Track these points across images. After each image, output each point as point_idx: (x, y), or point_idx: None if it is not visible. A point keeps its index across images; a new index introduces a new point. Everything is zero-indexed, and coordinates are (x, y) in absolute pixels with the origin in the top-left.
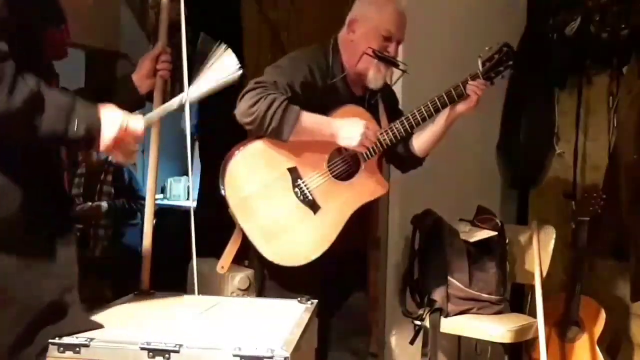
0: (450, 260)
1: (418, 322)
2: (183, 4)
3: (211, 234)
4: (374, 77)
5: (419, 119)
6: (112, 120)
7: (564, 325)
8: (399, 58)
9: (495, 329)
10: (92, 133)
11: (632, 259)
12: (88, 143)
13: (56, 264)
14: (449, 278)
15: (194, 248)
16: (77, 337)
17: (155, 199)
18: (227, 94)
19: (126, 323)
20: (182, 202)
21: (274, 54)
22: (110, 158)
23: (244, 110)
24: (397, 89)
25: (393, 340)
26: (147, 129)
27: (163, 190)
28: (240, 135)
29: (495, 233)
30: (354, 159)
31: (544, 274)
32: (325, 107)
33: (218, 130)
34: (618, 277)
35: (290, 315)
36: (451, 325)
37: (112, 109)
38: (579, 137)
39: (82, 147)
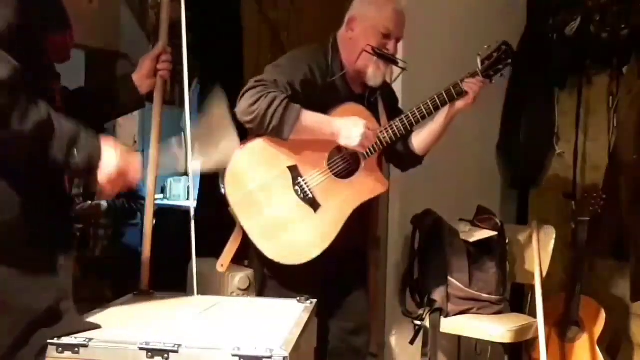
0: (450, 260)
1: (418, 322)
2: (184, 3)
3: (211, 234)
4: (374, 74)
5: (419, 117)
6: (112, 161)
7: (564, 325)
8: (399, 56)
9: (495, 329)
10: (92, 165)
11: (632, 259)
12: (87, 174)
13: (53, 272)
14: (449, 278)
15: (194, 248)
16: (75, 338)
17: (155, 199)
18: (227, 94)
19: (125, 323)
20: (182, 202)
21: (274, 54)
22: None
23: (244, 108)
24: (397, 88)
25: (393, 340)
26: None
27: (163, 190)
28: (240, 135)
29: (495, 233)
30: (354, 157)
31: (544, 274)
32: (325, 106)
33: None
34: (618, 277)
35: (290, 315)
36: (451, 325)
37: (112, 144)
38: (579, 137)
39: (80, 177)
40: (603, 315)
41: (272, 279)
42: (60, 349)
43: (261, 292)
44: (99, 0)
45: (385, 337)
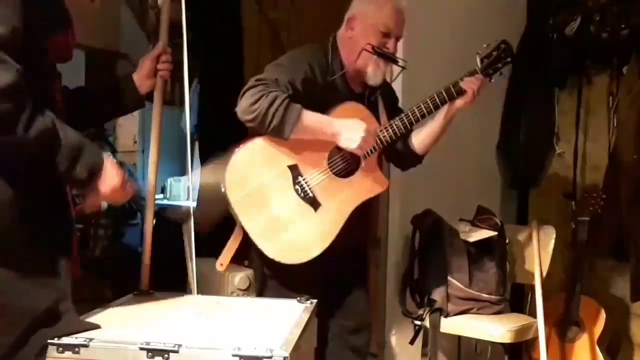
0: (450, 260)
1: (418, 322)
2: (184, 3)
3: (211, 234)
4: (373, 73)
5: (418, 115)
6: (114, 175)
7: (564, 325)
8: (399, 56)
9: (495, 329)
10: (93, 177)
11: (632, 259)
12: (86, 184)
13: (52, 273)
14: (449, 278)
15: (194, 248)
16: (76, 337)
17: (155, 199)
18: (227, 94)
19: (125, 323)
20: (182, 202)
21: (274, 53)
22: (110, 158)
23: (245, 107)
24: (397, 87)
25: (393, 340)
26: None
27: (163, 190)
28: (240, 135)
29: (495, 233)
30: (354, 157)
31: (544, 274)
32: (325, 105)
33: (218, 130)
34: (618, 277)
35: (290, 315)
36: (451, 325)
37: (113, 163)
38: (579, 137)
39: (80, 186)
40: (603, 315)
41: (273, 278)
42: (61, 348)
43: (261, 292)
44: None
45: (385, 337)
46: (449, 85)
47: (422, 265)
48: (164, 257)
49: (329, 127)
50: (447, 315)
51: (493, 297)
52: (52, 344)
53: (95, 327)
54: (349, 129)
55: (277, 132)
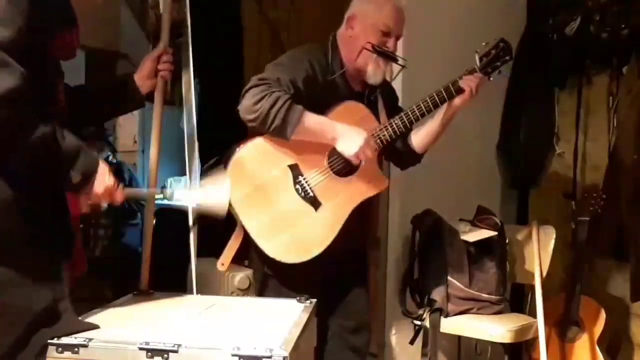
0: (450, 260)
1: (418, 322)
2: (188, 3)
3: (211, 234)
4: (373, 72)
5: (418, 114)
6: (105, 180)
7: (564, 325)
8: (398, 54)
9: (495, 329)
10: (87, 176)
11: (632, 259)
12: (79, 188)
13: (51, 273)
14: (449, 278)
15: (194, 248)
16: (75, 337)
17: (155, 199)
18: (227, 94)
19: (125, 323)
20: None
21: (274, 53)
22: (110, 158)
23: (247, 107)
24: (397, 87)
25: (393, 340)
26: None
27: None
28: (240, 134)
29: (495, 233)
30: None
31: (544, 274)
32: (325, 104)
33: (218, 130)
34: (618, 277)
35: (289, 315)
36: (451, 325)
37: (107, 168)
38: (579, 137)
39: (74, 188)
40: (603, 315)
41: (273, 278)
42: (60, 349)
43: (261, 292)
44: None
45: (385, 337)
46: (448, 84)
47: (422, 265)
48: (164, 257)
49: (330, 131)
50: (447, 315)
51: (493, 297)
52: (52, 344)
53: (94, 327)
54: (349, 135)
55: (278, 132)
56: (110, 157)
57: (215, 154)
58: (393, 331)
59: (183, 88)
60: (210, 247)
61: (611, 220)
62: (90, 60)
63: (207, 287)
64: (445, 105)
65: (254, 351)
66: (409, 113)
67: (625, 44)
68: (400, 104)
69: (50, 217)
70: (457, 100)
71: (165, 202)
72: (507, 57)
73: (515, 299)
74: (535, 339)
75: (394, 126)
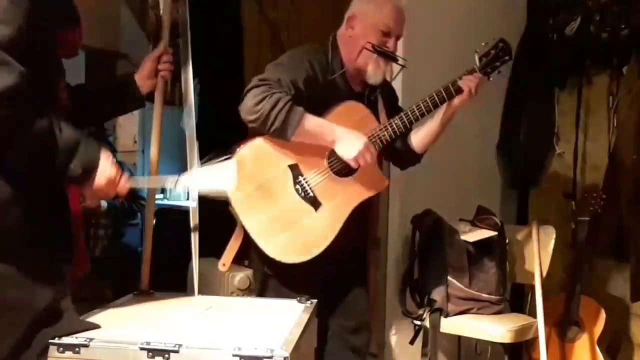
0: (450, 260)
1: (418, 322)
2: (188, 3)
3: (211, 234)
4: (374, 72)
5: (418, 114)
6: (107, 170)
7: (564, 325)
8: (398, 54)
9: (495, 329)
10: (89, 170)
11: (632, 259)
12: (81, 181)
13: (53, 272)
14: (449, 278)
15: (195, 248)
16: (76, 337)
17: (155, 199)
18: (227, 94)
19: (125, 323)
20: (182, 202)
21: (274, 53)
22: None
23: (248, 108)
24: (397, 87)
25: (393, 340)
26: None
27: (163, 190)
28: (240, 134)
29: (495, 233)
30: None
31: (544, 274)
32: (325, 104)
33: (218, 130)
34: (618, 277)
35: (290, 315)
36: (451, 325)
37: (110, 158)
38: (579, 137)
39: (76, 181)
40: (603, 315)
41: (273, 278)
42: (61, 348)
43: (261, 292)
44: None
45: (385, 337)
46: (447, 84)
47: (422, 265)
48: (164, 257)
49: (330, 134)
50: (447, 315)
51: (493, 297)
52: (53, 344)
53: (96, 326)
54: (349, 139)
55: (278, 134)
56: (110, 158)
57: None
58: (393, 331)
59: (183, 88)
60: (211, 247)
61: (611, 220)
62: (90, 60)
63: (207, 287)
64: (444, 105)
65: (255, 351)
66: (409, 113)
67: (625, 44)
68: (400, 103)
69: (50, 215)
70: (457, 100)
71: (165, 202)
72: (507, 57)
73: (515, 299)
74: (535, 339)
75: (394, 126)
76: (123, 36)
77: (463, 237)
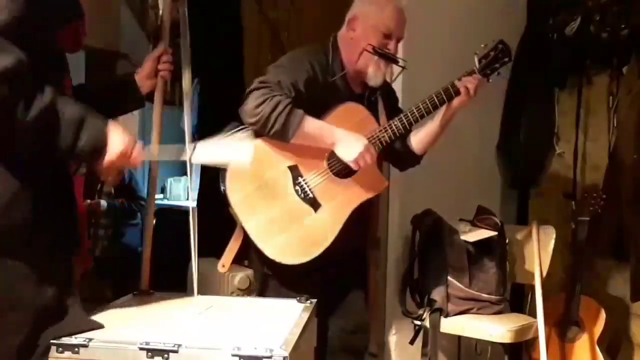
0: (450, 260)
1: (418, 322)
2: (187, 3)
3: (211, 234)
4: (374, 74)
5: (417, 116)
6: (118, 142)
7: (564, 325)
8: (399, 56)
9: (495, 329)
10: (98, 149)
11: (632, 259)
12: (93, 158)
13: (58, 267)
14: (449, 278)
15: (195, 248)
16: (75, 337)
17: (155, 199)
18: (227, 94)
19: (125, 323)
20: (182, 202)
21: (274, 54)
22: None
23: (248, 110)
24: (397, 88)
25: (393, 340)
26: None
27: (163, 190)
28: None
29: (495, 233)
30: None
31: (544, 274)
32: (325, 105)
33: (218, 130)
34: (618, 277)
35: (290, 315)
36: (451, 325)
37: (119, 129)
38: (579, 137)
39: (86, 161)
40: (603, 315)
41: (273, 278)
42: (60, 348)
43: (261, 292)
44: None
45: (385, 337)
46: (447, 85)
47: (422, 265)
48: (164, 257)
49: (330, 136)
50: (447, 315)
51: (493, 297)
52: (53, 344)
53: (100, 326)
54: (348, 141)
55: (279, 136)
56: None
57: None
58: (393, 331)
59: (183, 88)
60: (210, 247)
61: (611, 220)
62: (90, 60)
63: (207, 287)
64: (444, 106)
65: (255, 351)
66: (409, 114)
67: (625, 44)
68: (400, 103)
69: (58, 211)
70: (456, 102)
71: (165, 202)
72: (506, 59)
73: (515, 299)
74: (535, 339)
75: (394, 128)
76: (123, 36)
77: (463, 237)
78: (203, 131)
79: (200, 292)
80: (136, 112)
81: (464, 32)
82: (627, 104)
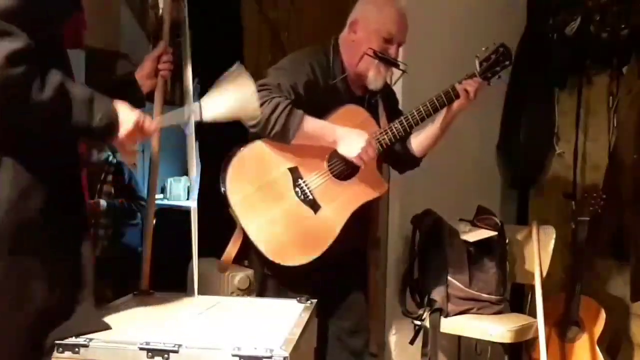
0: (450, 260)
1: (418, 322)
2: (187, 3)
3: (211, 234)
4: (374, 78)
5: (418, 119)
6: (129, 115)
7: (564, 325)
8: (399, 59)
9: (495, 329)
10: (113, 124)
11: (632, 259)
12: (108, 134)
13: (68, 265)
14: (449, 278)
15: (195, 248)
16: (75, 337)
17: (155, 199)
18: None
19: (125, 323)
20: (182, 202)
21: (274, 54)
22: (110, 158)
23: None
24: (397, 89)
25: (393, 340)
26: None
27: (163, 190)
28: (240, 135)
29: (495, 233)
30: None
31: (544, 274)
32: (326, 107)
33: (218, 130)
34: (618, 277)
35: (290, 315)
36: (451, 325)
37: (125, 104)
38: (579, 137)
39: (102, 138)
40: (603, 315)
41: (272, 278)
42: (61, 348)
43: (261, 292)
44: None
45: (385, 337)
46: (448, 88)
47: (422, 265)
48: (164, 257)
49: (331, 135)
50: (447, 315)
51: (493, 297)
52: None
53: (107, 327)
54: (350, 138)
55: (279, 137)
56: (110, 157)
57: (216, 154)
58: (393, 331)
59: (183, 87)
60: (211, 247)
61: (611, 220)
62: (90, 60)
63: (207, 287)
64: (444, 109)
65: (255, 351)
66: (409, 117)
67: (625, 44)
68: (400, 104)
69: (67, 207)
70: (456, 105)
71: (165, 202)
72: (507, 62)
73: (515, 299)
74: (535, 339)
75: (394, 130)
76: (123, 36)
77: (463, 237)
78: (203, 131)
79: (200, 292)
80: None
81: (464, 32)
82: (627, 104)
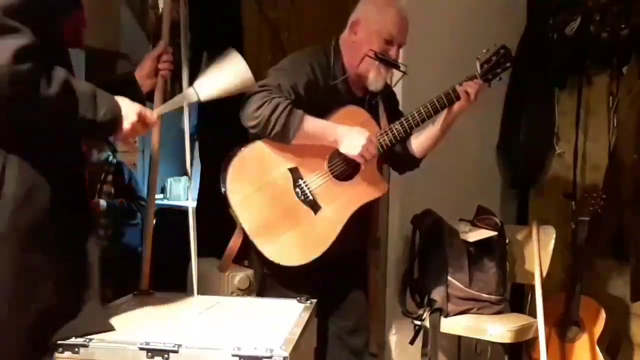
0: (450, 260)
1: (418, 322)
2: (184, 3)
3: (211, 234)
4: (375, 79)
5: (418, 120)
6: (131, 108)
7: (564, 325)
8: (400, 59)
9: (495, 329)
10: (117, 118)
11: (632, 259)
12: (113, 128)
13: (78, 261)
14: (449, 278)
15: (194, 248)
16: (75, 338)
17: (155, 199)
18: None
19: (125, 323)
20: (182, 202)
21: (274, 54)
22: (110, 158)
23: (248, 114)
24: (397, 90)
25: (393, 340)
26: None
27: (163, 190)
28: (240, 135)
29: (495, 233)
30: (354, 160)
31: (544, 274)
32: (326, 108)
33: (218, 130)
34: (618, 277)
35: (290, 315)
36: (451, 325)
37: (125, 98)
38: (579, 137)
39: (106, 133)
40: (603, 315)
41: (272, 278)
42: (61, 348)
43: (261, 292)
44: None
45: (385, 337)
46: (448, 90)
47: (422, 265)
48: (164, 257)
49: (332, 134)
50: (447, 315)
51: (493, 297)
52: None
53: (111, 328)
54: (351, 136)
55: (279, 137)
56: (110, 157)
57: (216, 154)
58: (393, 331)
59: (183, 87)
60: (210, 247)
61: (611, 220)
62: (90, 60)
63: (207, 287)
64: (445, 110)
65: (255, 351)
66: (410, 118)
67: (625, 44)
68: (400, 106)
69: (72, 206)
70: (457, 106)
71: (165, 202)
72: (508, 64)
73: (515, 299)
74: (535, 339)
75: (395, 131)
76: (123, 36)
77: (463, 237)
78: (203, 131)
79: (200, 292)
80: None
81: (464, 32)
82: (627, 104)
